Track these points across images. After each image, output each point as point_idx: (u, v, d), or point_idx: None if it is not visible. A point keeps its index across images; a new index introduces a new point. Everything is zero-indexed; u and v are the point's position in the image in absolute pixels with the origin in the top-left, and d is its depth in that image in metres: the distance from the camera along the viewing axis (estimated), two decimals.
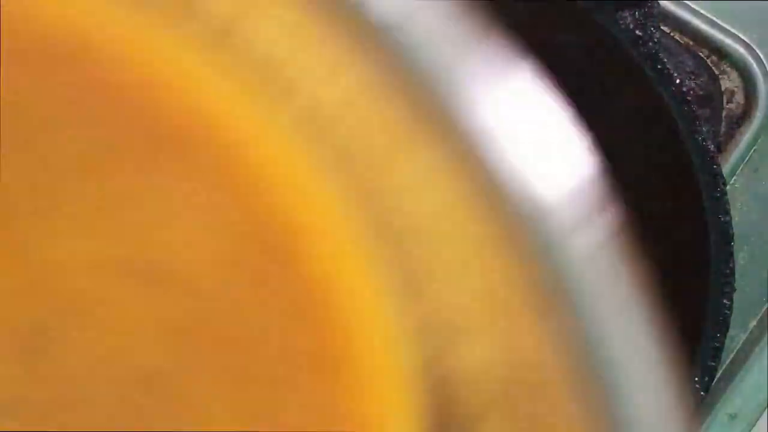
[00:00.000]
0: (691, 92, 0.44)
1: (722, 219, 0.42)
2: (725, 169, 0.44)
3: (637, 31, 0.42)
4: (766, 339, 0.44)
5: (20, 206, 0.19)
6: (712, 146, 0.42)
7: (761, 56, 0.46)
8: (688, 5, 0.46)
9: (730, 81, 0.46)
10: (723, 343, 0.42)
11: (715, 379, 0.42)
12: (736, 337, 0.45)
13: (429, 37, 0.12)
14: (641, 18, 0.43)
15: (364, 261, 0.18)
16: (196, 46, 0.18)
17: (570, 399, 0.14)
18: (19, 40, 0.18)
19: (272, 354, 0.19)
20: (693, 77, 0.45)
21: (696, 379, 0.41)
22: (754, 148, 0.46)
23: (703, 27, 0.46)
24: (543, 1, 0.43)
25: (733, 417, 0.43)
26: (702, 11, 0.46)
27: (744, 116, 0.46)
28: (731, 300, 0.42)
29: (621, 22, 0.42)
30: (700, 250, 0.42)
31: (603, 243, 0.12)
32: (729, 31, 0.46)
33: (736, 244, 0.42)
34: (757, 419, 0.43)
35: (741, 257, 0.44)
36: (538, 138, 0.12)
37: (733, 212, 0.42)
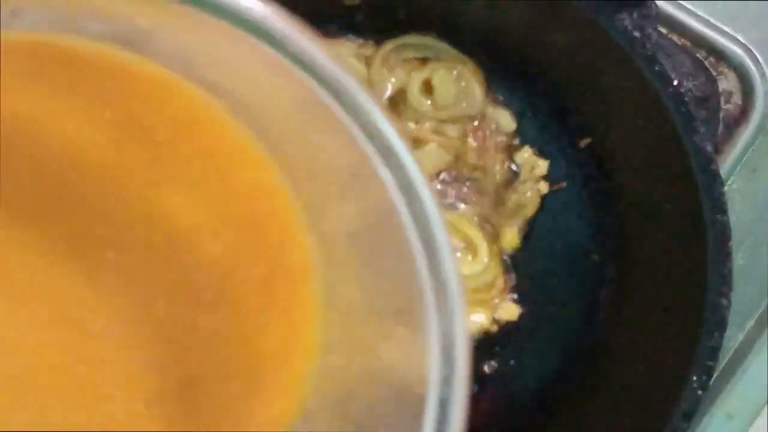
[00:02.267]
0: (689, 93, 0.44)
1: (720, 219, 0.42)
2: (723, 170, 0.44)
3: (635, 33, 0.42)
4: (764, 338, 0.44)
5: None
6: (710, 147, 0.42)
7: (759, 57, 0.46)
8: (686, 7, 0.46)
9: (727, 82, 0.46)
10: (721, 343, 0.42)
11: (713, 379, 0.42)
12: (733, 337, 0.45)
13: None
14: (639, 19, 0.43)
15: None
16: None
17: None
18: None
19: None
20: (691, 78, 0.45)
21: (694, 378, 0.41)
22: (752, 148, 0.46)
23: (701, 28, 0.46)
24: (542, 2, 0.43)
25: (730, 417, 0.43)
26: (700, 13, 0.46)
27: (741, 117, 0.46)
28: (729, 300, 0.42)
29: (619, 23, 0.42)
30: (699, 251, 0.42)
31: None
32: (727, 32, 0.46)
33: (734, 245, 0.42)
34: (755, 419, 0.43)
35: (739, 257, 0.44)
36: None
37: (730, 213, 0.42)
